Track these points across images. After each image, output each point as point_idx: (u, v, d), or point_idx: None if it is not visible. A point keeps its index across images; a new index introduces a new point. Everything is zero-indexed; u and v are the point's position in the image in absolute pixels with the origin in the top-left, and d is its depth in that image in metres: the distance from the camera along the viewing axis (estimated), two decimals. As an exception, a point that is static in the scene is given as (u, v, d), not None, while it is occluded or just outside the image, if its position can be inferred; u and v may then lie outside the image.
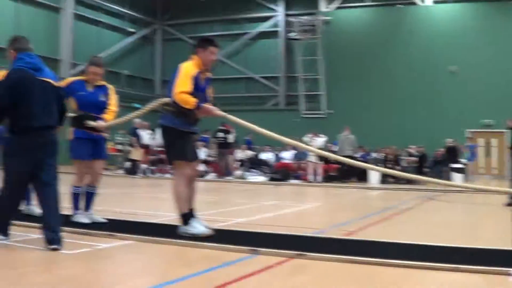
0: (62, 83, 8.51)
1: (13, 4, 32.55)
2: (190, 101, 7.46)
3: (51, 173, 7.13)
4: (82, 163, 8.68)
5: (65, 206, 9.35)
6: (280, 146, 28.46)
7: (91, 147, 8.70)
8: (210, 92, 8.13)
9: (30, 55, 7.22)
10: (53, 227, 6.86)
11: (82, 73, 8.84)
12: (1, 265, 6.03)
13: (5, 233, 7.08)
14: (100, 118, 8.59)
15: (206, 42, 7.91)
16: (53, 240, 6.77)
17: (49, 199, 7.06)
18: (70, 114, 8.51)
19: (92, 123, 8.45)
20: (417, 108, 33.93)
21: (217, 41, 8.11)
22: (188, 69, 7.67)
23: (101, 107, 8.74)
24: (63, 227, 7.13)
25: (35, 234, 7.29)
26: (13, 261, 6.22)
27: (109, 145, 15.88)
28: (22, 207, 9.14)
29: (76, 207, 8.74)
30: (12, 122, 7.02)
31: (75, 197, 8.74)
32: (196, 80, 7.66)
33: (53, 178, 7.16)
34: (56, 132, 7.28)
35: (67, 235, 7.64)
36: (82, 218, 8.60)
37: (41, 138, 7.00)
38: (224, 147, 26.04)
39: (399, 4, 36.05)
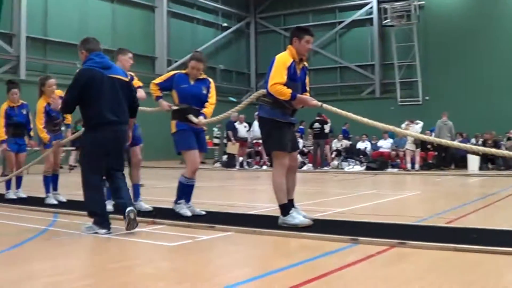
0: (163, 77, 8.92)
1: (109, 5, 33.25)
2: (285, 92, 7.44)
3: (120, 162, 7.80)
4: (193, 152, 8.73)
5: (167, 200, 9.55)
6: (376, 135, 28.23)
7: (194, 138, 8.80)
8: (307, 81, 8.10)
9: (99, 54, 7.77)
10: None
11: (184, 67, 8.99)
12: (106, 258, 6.18)
13: (107, 227, 7.46)
14: (201, 112, 8.72)
15: (301, 31, 7.85)
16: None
17: (123, 190, 7.63)
18: (173, 107, 8.69)
19: (193, 119, 8.56)
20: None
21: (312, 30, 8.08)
22: (282, 60, 7.64)
23: (202, 100, 8.85)
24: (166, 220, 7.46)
25: (138, 228, 7.43)
26: (117, 254, 6.37)
27: (208, 139, 16.05)
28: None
29: (179, 196, 8.80)
30: (85, 118, 7.71)
31: (184, 188, 8.79)
32: (291, 70, 7.61)
33: (121, 167, 7.82)
34: (125, 128, 7.87)
35: (168, 228, 7.82)
36: (184, 210, 8.67)
37: (112, 132, 7.58)
38: (320, 137, 25.92)
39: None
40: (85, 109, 7.65)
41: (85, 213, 7.84)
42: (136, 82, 9.57)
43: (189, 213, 8.63)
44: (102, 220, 7.49)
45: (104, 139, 7.53)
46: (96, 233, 7.37)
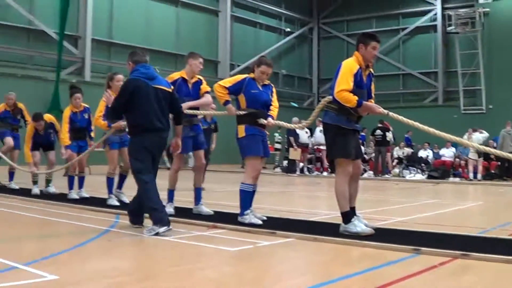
0: (232, 80, 8.83)
1: (174, 9, 33.62)
2: (350, 99, 7.39)
3: (156, 167, 8.29)
4: (257, 159, 8.69)
5: (228, 204, 9.55)
6: (438, 144, 27.94)
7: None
8: (372, 88, 8.05)
9: (145, 66, 8.27)
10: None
11: (247, 71, 8.97)
12: (167, 261, 6.23)
13: (167, 223, 7.71)
14: (269, 114, 8.75)
15: (368, 37, 7.80)
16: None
17: (154, 190, 7.94)
18: (240, 112, 8.70)
19: (263, 121, 8.58)
20: None
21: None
22: (348, 66, 7.59)
23: (268, 105, 8.86)
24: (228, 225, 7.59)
25: (198, 231, 7.48)
26: (178, 257, 6.41)
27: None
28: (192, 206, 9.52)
29: (245, 206, 8.55)
30: (132, 125, 8.24)
31: (247, 195, 8.60)
32: (358, 77, 7.57)
33: (155, 174, 8.22)
34: (166, 135, 8.30)
35: (229, 233, 7.85)
36: (255, 219, 8.45)
37: (158, 138, 8.10)
38: (382, 144, 25.78)
39: None
40: (132, 116, 8.16)
41: (147, 215, 7.98)
42: (204, 87, 9.64)
43: (259, 221, 8.46)
44: (161, 216, 7.73)
45: (151, 144, 8.05)
46: (157, 233, 7.48)
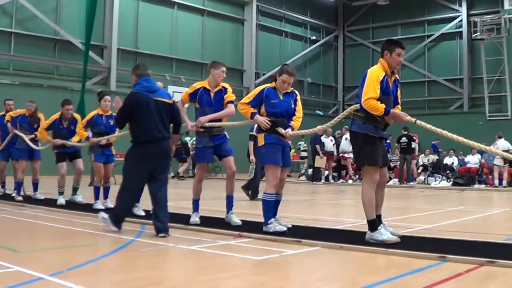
0: (251, 95, 8.85)
1: (200, 18, 33.76)
2: (378, 107, 7.41)
3: (162, 177, 8.77)
4: (276, 168, 8.63)
5: (254, 213, 9.56)
6: (463, 151, 27.84)
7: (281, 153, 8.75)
8: (398, 95, 8.06)
9: (147, 79, 8.84)
10: (162, 219, 8.38)
11: (271, 80, 8.97)
12: (193, 271, 6.28)
13: (119, 226, 8.65)
14: (289, 125, 8.72)
15: (392, 44, 7.81)
16: (161, 229, 8.29)
17: (161, 198, 8.59)
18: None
19: (282, 131, 8.58)
20: None
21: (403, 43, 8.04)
22: (375, 74, 7.61)
23: (290, 114, 8.83)
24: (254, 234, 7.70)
25: (224, 240, 7.52)
26: (204, 267, 6.42)
27: (292, 153, 16.09)
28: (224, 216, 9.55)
29: (268, 216, 8.54)
30: (133, 135, 8.75)
31: (269, 204, 8.58)
32: (384, 84, 7.59)
33: (164, 181, 8.81)
34: (167, 143, 8.83)
35: (255, 242, 7.89)
36: (279, 227, 8.45)
37: (158, 148, 8.61)
38: (407, 152, 25.74)
39: None
40: (133, 128, 8.73)
41: (174, 224, 8.15)
42: (229, 96, 9.60)
43: (284, 228, 8.48)
44: (118, 219, 8.66)
45: (150, 154, 8.57)
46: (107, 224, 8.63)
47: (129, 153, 8.76)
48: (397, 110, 7.79)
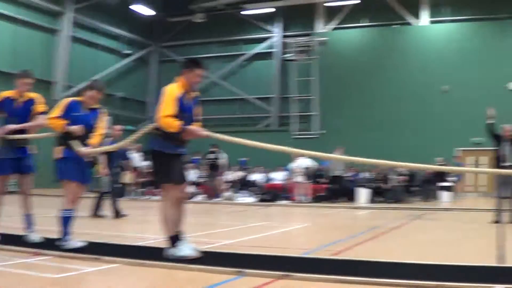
0: (61, 108, 8.58)
1: (11, 26, 32.62)
2: (174, 125, 7.47)
3: None
4: (73, 183, 8.47)
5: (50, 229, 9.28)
6: (270, 168, 28.51)
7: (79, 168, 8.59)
8: (197, 112, 8.11)
9: None
10: None
11: (79, 94, 8.80)
12: None
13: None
14: (85, 143, 8.53)
15: (192, 64, 7.94)
16: None
17: None
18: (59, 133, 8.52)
19: (77, 148, 8.40)
20: (409, 127, 34.36)
21: (205, 64, 8.14)
22: (171, 92, 7.70)
23: (91, 130, 8.69)
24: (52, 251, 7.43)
25: (22, 258, 7.25)
26: (-2, 286, 6.20)
27: (100, 168, 15.81)
28: None
29: (66, 233, 8.36)
30: None
31: (67, 220, 8.39)
32: (181, 101, 7.66)
33: None
34: None
35: (54, 259, 7.68)
36: (75, 243, 8.31)
37: None
38: (214, 168, 26.04)
39: (395, 24, 36.73)
40: None
41: None
42: (39, 107, 9.32)
43: (80, 244, 8.35)
44: None
45: None
46: None
47: None
48: (194, 126, 7.83)
